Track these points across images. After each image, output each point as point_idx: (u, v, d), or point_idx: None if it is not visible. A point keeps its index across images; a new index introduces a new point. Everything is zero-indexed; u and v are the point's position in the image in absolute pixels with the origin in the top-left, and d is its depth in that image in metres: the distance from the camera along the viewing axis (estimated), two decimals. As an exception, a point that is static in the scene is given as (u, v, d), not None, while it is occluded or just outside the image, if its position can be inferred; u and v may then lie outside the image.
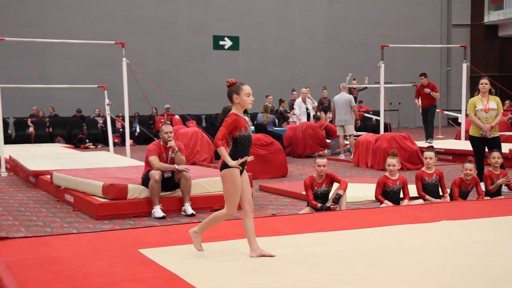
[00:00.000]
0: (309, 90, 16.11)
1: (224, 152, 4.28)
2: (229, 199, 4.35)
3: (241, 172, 4.35)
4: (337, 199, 6.39)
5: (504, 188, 7.60)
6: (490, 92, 8.42)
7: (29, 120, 19.53)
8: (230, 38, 23.48)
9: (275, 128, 13.70)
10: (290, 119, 15.93)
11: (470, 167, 6.95)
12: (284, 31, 24.93)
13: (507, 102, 18.52)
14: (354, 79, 18.48)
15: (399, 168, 6.93)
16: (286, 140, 13.54)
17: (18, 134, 18.82)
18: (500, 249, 4.65)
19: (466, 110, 8.52)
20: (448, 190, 7.15)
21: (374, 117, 18.98)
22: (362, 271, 4.05)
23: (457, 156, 12.11)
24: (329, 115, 17.07)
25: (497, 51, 26.34)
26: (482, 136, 8.23)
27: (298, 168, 11.71)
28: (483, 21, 26.02)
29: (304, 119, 15.03)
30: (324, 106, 17.42)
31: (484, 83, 8.34)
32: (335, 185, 6.60)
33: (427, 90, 13.18)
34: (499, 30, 26.17)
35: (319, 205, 6.41)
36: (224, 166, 4.32)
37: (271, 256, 4.36)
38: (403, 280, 3.86)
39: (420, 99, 13.57)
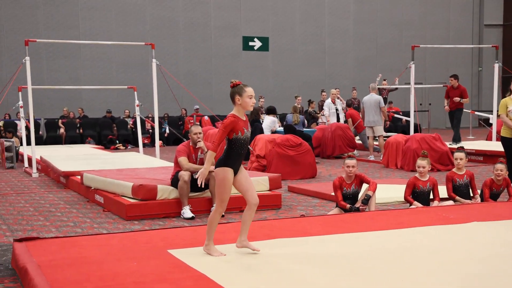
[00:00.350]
0: (339, 90, 16.02)
1: (210, 158, 4.44)
2: (218, 197, 4.52)
3: (236, 171, 4.48)
4: (366, 200, 6.34)
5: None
6: None
7: (59, 121, 19.83)
8: (259, 39, 23.54)
9: (304, 129, 13.66)
10: (320, 120, 15.85)
11: (501, 168, 6.85)
12: (314, 31, 24.86)
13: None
14: (385, 80, 18.33)
15: (430, 169, 6.84)
16: (315, 141, 13.49)
17: (49, 135, 19.14)
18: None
19: (497, 111, 8.34)
20: (479, 191, 7.05)
21: (404, 118, 18.79)
22: (388, 272, 4.00)
23: (488, 157, 11.91)
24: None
25: (530, 50, 25.88)
26: None
27: (327, 169, 11.65)
28: (515, 20, 25.59)
29: (333, 120, 14.95)
30: (354, 106, 17.29)
31: None
32: (365, 186, 6.55)
33: (457, 99, 13.07)
34: (532, 30, 25.73)
35: (348, 206, 6.38)
36: (218, 164, 4.45)
37: (255, 250, 4.50)
38: (428, 281, 3.80)
39: (449, 100, 13.42)
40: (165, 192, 7.08)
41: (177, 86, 15.37)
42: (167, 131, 19.65)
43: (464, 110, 13.82)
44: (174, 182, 7.07)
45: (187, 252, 4.63)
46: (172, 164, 8.53)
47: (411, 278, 3.93)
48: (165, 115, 20.53)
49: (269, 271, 4.13)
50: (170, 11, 23.11)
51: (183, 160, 7.04)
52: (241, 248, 4.59)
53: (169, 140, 19.72)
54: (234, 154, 4.42)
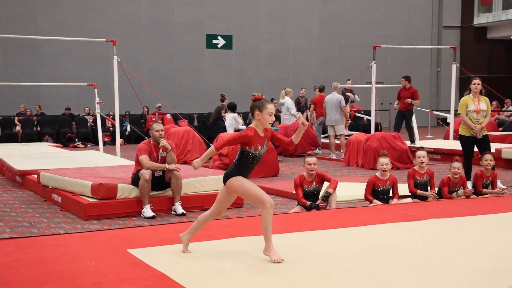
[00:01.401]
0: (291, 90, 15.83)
1: (209, 153, 4.40)
2: (255, 198, 4.30)
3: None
4: (326, 197, 6.42)
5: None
6: (480, 93, 8.46)
7: (16, 118, 19.36)
8: (223, 37, 23.47)
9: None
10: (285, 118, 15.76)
11: (458, 166, 7.03)
12: (278, 30, 24.93)
13: (494, 102, 18.61)
14: (349, 80, 18.48)
15: (391, 167, 6.96)
16: (277, 139, 13.51)
17: (5, 133, 18.66)
18: (488, 246, 4.66)
19: (457, 110, 8.52)
20: (436, 189, 7.21)
21: (365, 117, 19.02)
22: (352, 269, 4.04)
23: (446, 155, 12.16)
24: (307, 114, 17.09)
25: (485, 52, 26.49)
26: (472, 136, 8.28)
27: (290, 167, 11.70)
28: (472, 23, 26.16)
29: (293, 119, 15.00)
30: (301, 105, 17.57)
31: (477, 84, 8.39)
32: (326, 184, 6.61)
33: (408, 100, 12.98)
34: (488, 32, 26.33)
35: (309, 203, 6.45)
36: (227, 176, 4.34)
37: (278, 261, 4.21)
38: (394, 277, 3.86)
39: (400, 101, 13.35)
40: (126, 191, 6.99)
41: (139, 84, 15.19)
42: (128, 129, 19.42)
43: (424, 109, 14.02)
44: (135, 180, 6.99)
45: (147, 252, 4.58)
46: (133, 163, 8.42)
47: (372, 274, 3.98)
48: (126, 113, 20.29)
49: (231, 270, 4.11)
50: (132, 7, 22.84)
51: (144, 158, 6.96)
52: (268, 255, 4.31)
53: (130, 138, 19.50)
54: (242, 166, 4.32)
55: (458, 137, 8.72)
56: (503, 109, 19.32)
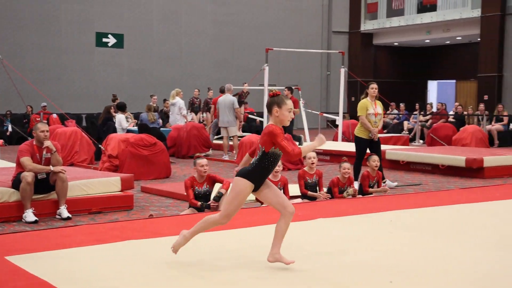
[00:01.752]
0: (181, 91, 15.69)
1: (307, 147, 4.20)
2: (225, 207, 4.11)
3: (259, 187, 4.07)
4: (218, 197, 6.43)
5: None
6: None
7: None
8: (114, 35, 22.82)
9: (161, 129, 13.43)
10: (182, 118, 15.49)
11: (348, 167, 7.28)
12: (171, 30, 24.64)
13: (380, 106, 19.52)
14: (245, 83, 18.62)
15: (281, 169, 7.07)
16: (170, 140, 13.36)
17: None
18: (375, 243, 4.84)
19: (358, 112, 8.79)
20: (325, 189, 7.40)
21: (258, 119, 19.25)
22: (238, 271, 4.04)
23: (334, 156, 12.58)
24: (205, 115, 17.13)
25: (372, 57, 27.76)
26: (369, 138, 8.65)
27: (182, 168, 11.58)
28: (360, 29, 27.32)
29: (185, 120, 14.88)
30: (195, 106, 17.60)
31: (375, 88, 8.78)
32: (218, 185, 6.60)
33: None
34: (373, 38, 27.61)
35: (199, 203, 6.40)
36: (241, 174, 4.04)
37: (289, 263, 4.06)
38: (271, 277, 3.89)
39: None
40: (5, 194, 6.58)
41: (22, 82, 14.38)
42: (10, 129, 18.34)
43: (314, 112, 14.39)
44: (16, 183, 6.59)
45: (28, 258, 4.31)
46: (14, 165, 7.94)
47: (255, 275, 3.99)
48: (7, 113, 19.18)
49: (117, 274, 3.96)
50: (16, 1, 21.63)
51: (26, 160, 6.58)
52: (274, 262, 4.09)
53: (12, 139, 18.40)
54: (262, 168, 4.02)
55: (353, 138, 9.01)
56: (388, 112, 20.32)
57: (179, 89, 15.35)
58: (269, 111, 4.06)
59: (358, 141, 8.80)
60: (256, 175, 4.02)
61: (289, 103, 4.03)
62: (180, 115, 14.73)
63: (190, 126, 13.76)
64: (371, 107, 8.68)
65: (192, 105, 17.80)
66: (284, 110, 4.01)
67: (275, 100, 4.04)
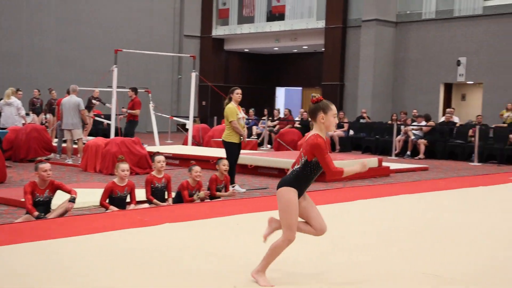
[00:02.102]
0: (17, 90, 14.73)
1: (350, 169, 3.86)
2: (285, 222, 3.83)
3: (299, 196, 3.84)
4: (74, 198, 6.15)
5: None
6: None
7: None
8: None
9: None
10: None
11: (199, 170, 7.24)
12: (10, 26, 23.00)
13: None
14: (96, 88, 17.91)
15: (129, 173, 6.84)
16: (6, 143, 12.43)
17: None
18: (216, 245, 4.82)
19: (229, 117, 8.87)
20: (173, 194, 7.29)
21: (106, 121, 18.62)
22: (102, 277, 3.80)
23: (184, 160, 12.48)
24: (48, 116, 16.33)
25: (223, 62, 28.18)
26: (239, 142, 8.91)
27: (20, 173, 10.78)
28: (211, 34, 27.60)
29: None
30: (36, 107, 16.84)
31: (240, 93, 9.00)
32: (59, 192, 6.21)
33: (123, 110, 13.91)
34: (225, 44, 28.06)
35: (36, 213, 5.96)
36: (283, 183, 3.84)
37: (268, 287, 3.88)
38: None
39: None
40: None
41: None
42: None
43: (164, 115, 14.27)
44: None
45: None
46: None
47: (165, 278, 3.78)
48: None
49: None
50: None
51: None
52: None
53: None
54: (304, 178, 3.83)
55: (222, 143, 9.11)
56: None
57: (14, 88, 14.34)
58: (314, 118, 3.86)
59: (229, 146, 9.00)
60: (298, 182, 3.86)
61: (334, 108, 3.88)
62: (18, 116, 13.70)
63: (30, 128, 12.90)
64: (239, 112, 8.91)
65: (33, 106, 16.76)
66: (330, 116, 3.85)
67: (320, 106, 3.85)
